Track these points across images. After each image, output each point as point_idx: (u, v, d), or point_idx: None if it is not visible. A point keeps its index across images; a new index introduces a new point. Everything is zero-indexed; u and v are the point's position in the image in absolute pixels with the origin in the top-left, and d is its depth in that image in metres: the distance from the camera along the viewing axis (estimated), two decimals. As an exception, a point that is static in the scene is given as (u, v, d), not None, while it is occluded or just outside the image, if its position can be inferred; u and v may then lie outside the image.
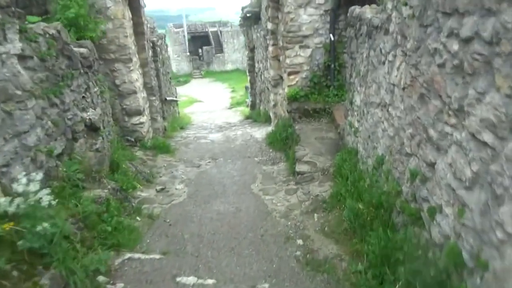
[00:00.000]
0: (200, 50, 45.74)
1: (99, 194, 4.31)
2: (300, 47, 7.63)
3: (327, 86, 7.85)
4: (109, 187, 4.53)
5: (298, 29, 7.50)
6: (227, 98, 29.76)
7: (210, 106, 25.88)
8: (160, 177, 6.30)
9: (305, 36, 7.56)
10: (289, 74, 7.80)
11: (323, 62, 7.77)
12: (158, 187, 5.65)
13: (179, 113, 14.42)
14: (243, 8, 13.64)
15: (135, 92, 7.54)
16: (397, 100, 3.46)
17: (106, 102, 6.55)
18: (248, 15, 13.40)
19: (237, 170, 6.62)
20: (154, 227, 4.41)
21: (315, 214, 4.46)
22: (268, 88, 11.25)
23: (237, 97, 28.72)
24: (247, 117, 14.88)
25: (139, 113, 7.68)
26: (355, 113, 5.32)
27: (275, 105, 9.13)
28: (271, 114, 9.53)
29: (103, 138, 5.08)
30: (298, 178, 5.67)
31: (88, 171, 4.45)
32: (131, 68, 7.37)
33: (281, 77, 8.69)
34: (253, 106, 14.96)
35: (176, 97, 14.21)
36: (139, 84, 7.73)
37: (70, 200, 3.81)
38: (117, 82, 7.38)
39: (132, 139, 7.57)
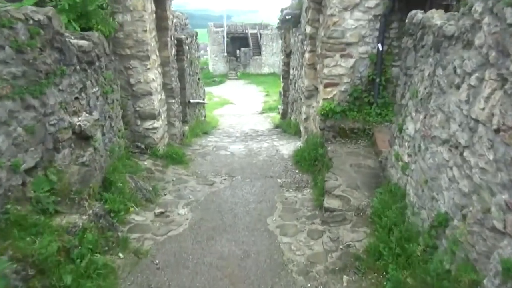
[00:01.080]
0: (238, 51, 45.31)
1: (74, 221, 3.47)
2: (342, 56, 6.56)
3: (369, 103, 6.72)
4: (90, 211, 3.68)
5: (341, 35, 6.44)
6: (260, 102, 28.89)
7: (241, 109, 25.11)
8: (164, 195, 5.44)
9: (349, 44, 6.49)
10: (326, 86, 6.75)
11: (367, 75, 6.66)
12: (157, 210, 4.77)
13: (205, 116, 13.65)
14: (282, 10, 12.69)
15: (150, 94, 6.75)
16: (482, 144, 2.36)
17: (113, 104, 5.77)
18: (287, 17, 12.42)
19: (254, 195, 5.64)
20: (137, 270, 3.52)
21: (345, 276, 3.40)
22: (300, 99, 10.23)
23: (270, 102, 27.78)
24: (277, 126, 13.87)
25: (153, 117, 6.88)
26: (406, 144, 4.20)
27: (306, 119, 8.09)
28: (302, 128, 8.50)
29: (94, 149, 4.25)
30: (326, 215, 4.62)
31: (66, 191, 3.62)
32: (148, 66, 6.59)
33: (316, 88, 7.64)
34: (284, 115, 13.95)
35: (203, 99, 13.44)
36: (156, 84, 6.94)
37: (29, 233, 2.98)
38: (132, 81, 6.62)
39: (143, 146, 6.78)
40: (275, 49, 44.51)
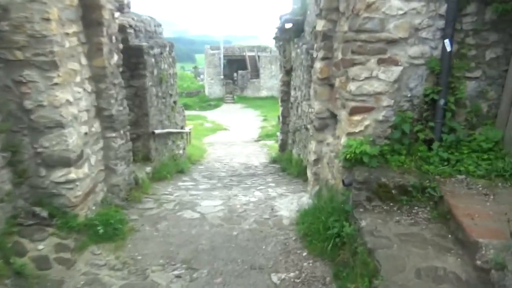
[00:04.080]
0: (235, 74, 43.33)
1: None
2: (380, 62, 3.90)
3: (426, 141, 4.02)
4: None
5: (380, 27, 3.81)
6: (257, 127, 26.33)
7: (235, 136, 22.49)
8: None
9: (392, 42, 3.84)
10: (353, 112, 4.05)
11: (423, 94, 3.99)
12: None
13: (184, 148, 10.93)
14: (281, 17, 10.21)
15: (61, 126, 4.05)
16: None
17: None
18: (287, 25, 9.94)
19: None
20: None
21: None
22: (305, 128, 7.53)
23: (268, 128, 25.21)
24: (274, 160, 11.16)
25: (67, 163, 4.16)
26: None
27: (317, 161, 5.34)
28: (309, 174, 5.74)
29: None
30: None
31: None
32: (56, 80, 3.92)
33: (334, 116, 4.96)
34: (283, 146, 11.25)
35: (182, 127, 10.76)
36: (75, 110, 4.26)
37: None
38: (28, 104, 3.93)
39: (44, 214, 4.01)
40: (273, 71, 42.56)
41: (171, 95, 9.27)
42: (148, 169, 7.10)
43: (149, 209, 5.18)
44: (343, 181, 3.99)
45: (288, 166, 9.01)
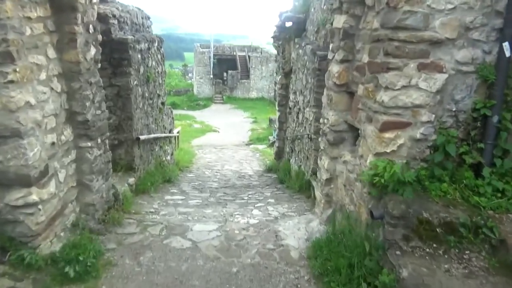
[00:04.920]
0: (225, 74, 42.53)
1: None
2: (421, 67, 3.15)
3: (473, 167, 3.30)
4: None
5: (423, 24, 3.06)
6: (247, 129, 25.55)
7: (225, 138, 21.67)
8: None
9: (436, 43, 3.10)
10: (384, 127, 3.30)
11: (471, 109, 3.27)
12: None
13: (172, 154, 10.06)
14: (281, 14, 9.43)
15: (18, 135, 3.19)
16: None
17: None
18: (287, 24, 9.18)
19: None
20: None
21: None
22: (310, 138, 6.78)
23: (259, 130, 24.47)
24: (269, 169, 10.38)
25: (27, 181, 3.29)
26: None
27: (330, 180, 4.57)
28: (319, 193, 4.97)
29: None
30: None
31: None
32: (11, 76, 3.05)
33: (352, 128, 4.22)
34: (279, 154, 10.48)
35: (170, 131, 9.90)
36: (37, 115, 3.39)
37: None
38: (-27, 107, 3.06)
39: (-7, 248, 3.14)
40: (264, 72, 41.94)
41: (159, 95, 8.40)
42: (131, 180, 6.24)
43: (130, 234, 4.32)
44: (371, 213, 3.23)
45: (286, 177, 8.24)
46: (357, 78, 3.95)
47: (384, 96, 3.26)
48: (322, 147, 4.74)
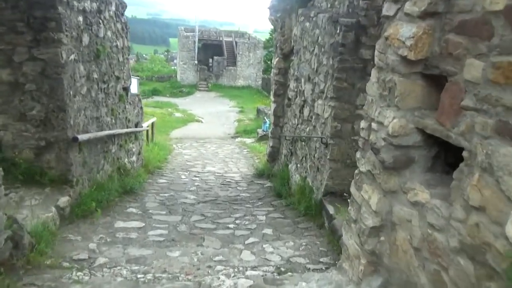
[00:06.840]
0: (210, 60, 40.19)
1: None
2: None
3: None
4: None
5: None
6: (233, 120, 23.53)
7: (209, 130, 19.63)
8: None
9: None
10: None
11: None
12: None
13: (139, 153, 8.00)
14: (280, -21, 7.39)
15: None
16: None
17: None
18: (288, -9, 7.16)
19: None
20: None
21: None
22: (325, 144, 4.82)
23: (246, 121, 22.47)
24: (261, 173, 8.47)
25: None
26: None
27: (379, 229, 2.66)
28: (353, 244, 3.05)
29: None
30: None
31: None
32: None
33: (433, 142, 2.29)
34: (272, 156, 8.54)
35: (137, 124, 7.83)
36: None
37: None
38: None
39: None
40: (252, 60, 39.81)
41: (118, 78, 6.31)
42: (64, 200, 4.22)
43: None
44: None
45: (284, 188, 6.33)
46: (458, 47, 2.01)
47: None
48: (364, 170, 2.81)
